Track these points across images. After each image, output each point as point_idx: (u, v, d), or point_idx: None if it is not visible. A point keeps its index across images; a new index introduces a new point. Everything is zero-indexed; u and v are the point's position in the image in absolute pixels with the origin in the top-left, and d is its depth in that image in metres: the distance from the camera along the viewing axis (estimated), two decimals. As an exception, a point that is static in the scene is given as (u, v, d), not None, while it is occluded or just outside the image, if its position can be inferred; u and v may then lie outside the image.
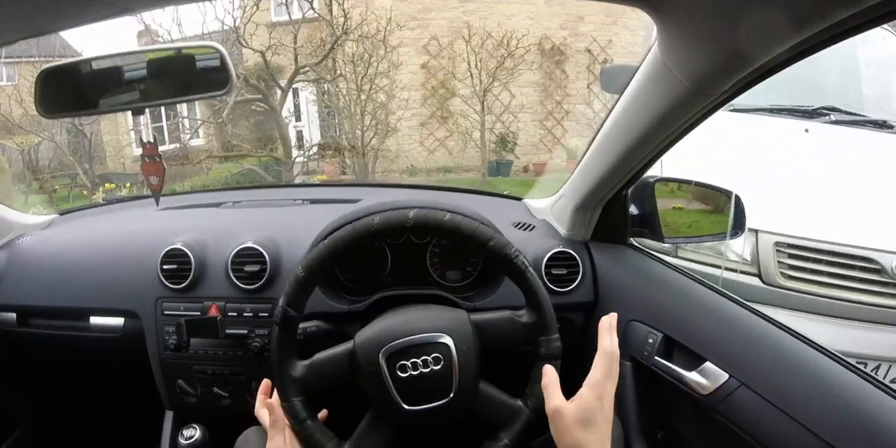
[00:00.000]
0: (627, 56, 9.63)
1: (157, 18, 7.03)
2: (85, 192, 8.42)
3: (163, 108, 9.37)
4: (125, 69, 1.04)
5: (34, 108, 1.02)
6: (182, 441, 1.11)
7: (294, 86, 7.57)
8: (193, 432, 1.12)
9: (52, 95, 1.01)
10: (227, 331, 1.23)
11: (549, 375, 0.86)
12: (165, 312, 1.29)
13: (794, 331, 0.96)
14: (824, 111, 2.63)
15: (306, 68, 7.21)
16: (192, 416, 1.29)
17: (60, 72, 1.02)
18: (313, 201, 1.59)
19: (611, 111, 1.01)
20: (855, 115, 2.67)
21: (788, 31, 0.59)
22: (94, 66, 1.03)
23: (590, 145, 1.12)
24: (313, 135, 10.02)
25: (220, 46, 1.02)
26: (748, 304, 1.04)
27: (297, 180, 7.33)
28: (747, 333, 0.99)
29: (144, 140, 1.13)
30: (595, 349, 1.25)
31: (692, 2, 0.61)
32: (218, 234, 1.34)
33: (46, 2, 0.59)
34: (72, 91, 1.01)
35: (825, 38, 0.61)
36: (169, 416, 1.36)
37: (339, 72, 8.05)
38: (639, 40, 9.81)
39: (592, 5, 9.67)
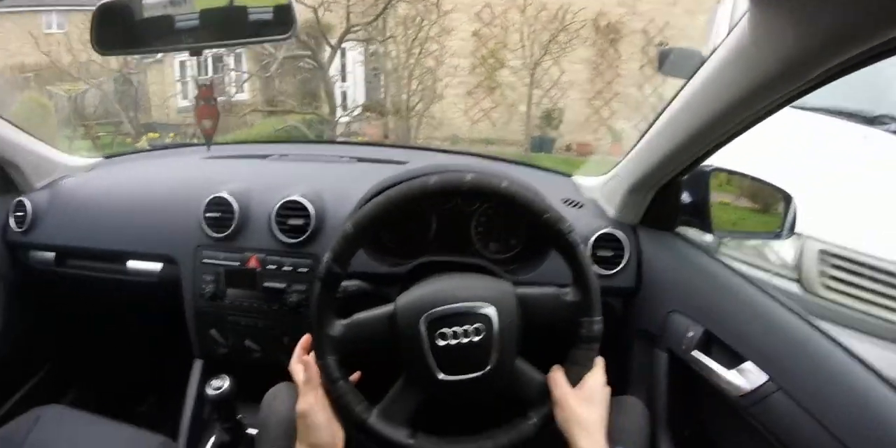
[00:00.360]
0: (684, 40, 9.25)
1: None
2: (129, 140, 8.55)
3: (210, 61, 9.44)
4: (182, 11, 1.03)
5: (90, 45, 1.02)
6: (210, 391, 1.13)
7: (343, 45, 7.51)
8: (222, 383, 1.13)
9: (108, 32, 1.01)
10: (265, 284, 1.24)
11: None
12: (204, 260, 1.30)
13: (841, 342, 0.91)
14: (886, 119, 2.50)
15: (357, 27, 7.13)
16: (220, 367, 1.30)
17: (114, 8, 1.02)
18: (360, 159, 1.58)
19: (679, 90, 0.96)
20: None
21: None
22: (143, 6, 1.03)
23: (651, 125, 1.08)
24: (358, 96, 9.98)
25: None
26: (796, 307, 1.00)
27: (341, 140, 7.34)
28: (792, 338, 0.95)
29: (201, 81, 1.13)
30: (631, 337, 1.23)
31: None
32: (264, 186, 1.34)
33: None
34: (124, 29, 1.02)
35: None
36: (198, 365, 1.39)
37: (389, 33, 7.96)
38: (697, 24, 9.44)
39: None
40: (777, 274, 2.08)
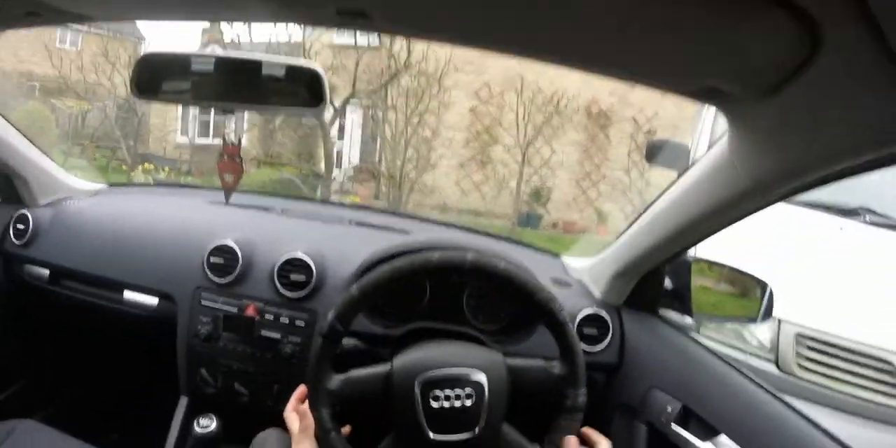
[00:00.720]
0: (670, 129, 9.64)
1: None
2: (124, 167, 8.61)
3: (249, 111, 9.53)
4: (218, 69, 1.10)
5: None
6: (198, 429, 1.15)
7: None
8: (209, 422, 1.15)
9: (147, 78, 1.07)
10: (262, 332, 1.28)
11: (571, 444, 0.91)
12: (203, 302, 1.34)
13: (813, 420, 0.99)
14: (860, 211, 2.65)
15: (361, 95, 7.41)
16: (205, 406, 1.32)
17: (159, 59, 1.09)
18: (360, 223, 1.65)
19: (667, 188, 1.07)
20: (890, 218, 2.68)
21: (863, 145, 0.64)
22: (194, 61, 1.08)
23: (639, 216, 1.19)
24: (353, 156, 10.20)
25: (320, 69, 1.10)
26: (769, 387, 1.07)
27: (333, 197, 7.44)
28: (765, 414, 1.02)
29: (229, 140, 1.21)
30: (612, 410, 1.28)
31: (770, 112, 0.67)
32: (268, 239, 1.40)
33: None
34: (166, 78, 1.06)
35: None
36: (183, 402, 1.40)
37: (391, 102, 8.25)
38: (684, 115, 9.79)
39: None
40: (755, 355, 2.17)
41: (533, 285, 0.95)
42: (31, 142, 1.51)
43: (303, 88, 1.12)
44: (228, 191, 1.25)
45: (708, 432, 1.06)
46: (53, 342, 1.73)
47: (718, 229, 1.00)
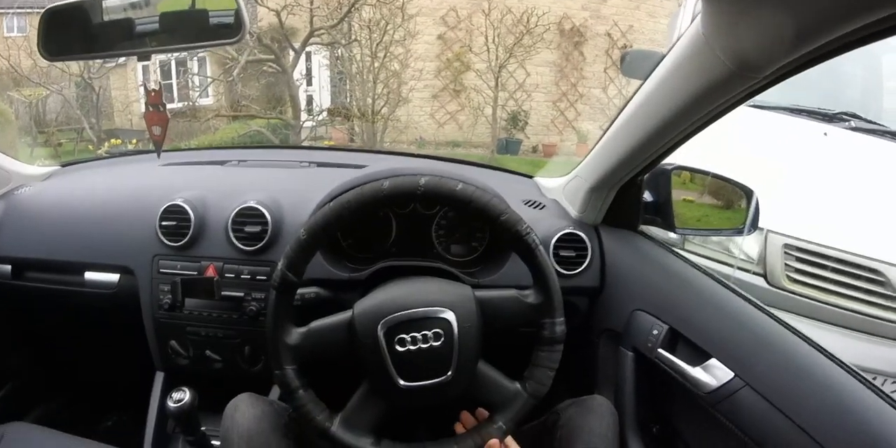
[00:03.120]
0: (647, 43, 9.51)
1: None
2: (91, 147, 8.39)
3: (173, 66, 9.26)
4: (135, 16, 1.01)
5: (38, 49, 0.99)
6: (171, 404, 1.09)
7: (307, 49, 7.45)
8: (182, 395, 1.10)
9: (56, 37, 0.99)
10: (224, 292, 1.20)
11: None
12: (161, 270, 1.27)
13: (805, 336, 0.93)
14: (845, 116, 2.59)
15: (321, 31, 7.08)
16: (183, 379, 1.27)
17: (67, 12, 0.99)
18: (320, 164, 1.56)
19: (637, 90, 0.96)
20: (875, 123, 2.62)
21: (849, 13, 0.54)
22: (104, 9, 0.99)
23: (610, 125, 1.08)
24: (323, 100, 9.91)
25: None
26: (760, 303, 1.01)
27: (306, 144, 7.28)
28: (757, 333, 0.96)
29: (150, 87, 1.09)
30: (597, 336, 1.24)
31: None
32: (220, 193, 1.31)
33: None
34: (78, 34, 0.98)
35: (886, 28, 0.56)
36: (160, 377, 1.36)
37: (354, 37, 7.94)
38: (660, 28, 9.67)
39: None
40: (742, 268, 2.13)
41: (495, 207, 0.87)
42: None
43: (230, 18, 1.02)
44: (158, 144, 1.15)
45: (697, 356, 1.00)
46: (29, 339, 1.68)
47: (695, 129, 0.90)
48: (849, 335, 2.03)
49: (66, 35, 0.99)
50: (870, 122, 2.61)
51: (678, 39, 0.80)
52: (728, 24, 0.65)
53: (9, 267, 1.40)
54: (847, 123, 2.56)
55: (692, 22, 0.74)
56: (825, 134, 2.49)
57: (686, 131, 0.91)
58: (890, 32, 0.57)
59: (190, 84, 9.40)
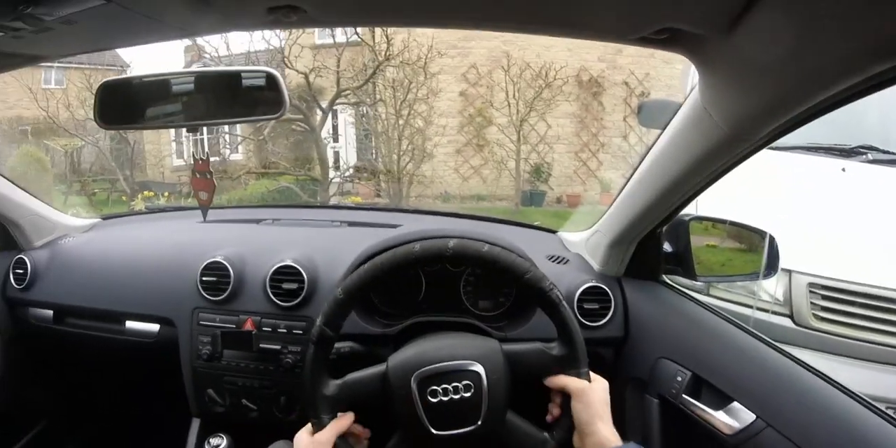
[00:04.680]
0: (664, 89, 9.59)
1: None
2: (124, 198, 8.67)
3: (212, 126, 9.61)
4: (180, 89, 1.08)
5: (93, 117, 1.07)
6: None
7: (334, 107, 7.72)
8: (220, 441, 1.14)
9: (110, 107, 1.05)
10: (261, 345, 1.26)
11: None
12: (201, 322, 1.33)
13: (824, 374, 0.96)
14: (862, 150, 2.60)
15: (347, 91, 7.36)
16: (218, 425, 1.31)
17: (119, 85, 1.07)
18: (351, 224, 1.63)
19: (649, 150, 1.03)
20: (893, 154, 2.62)
21: (832, 79, 0.60)
22: (150, 82, 1.06)
23: (627, 182, 1.14)
24: (350, 156, 10.17)
25: (274, 71, 1.06)
26: (778, 345, 1.04)
27: (333, 200, 7.43)
28: (777, 375, 0.99)
29: (198, 156, 1.18)
30: (623, 384, 1.25)
31: (732, 51, 0.63)
32: (258, 251, 1.38)
33: (118, 20, 0.64)
34: (125, 102, 1.05)
35: (869, 86, 0.61)
36: (195, 424, 1.39)
37: (378, 96, 8.20)
38: (676, 73, 9.74)
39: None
40: (770, 311, 2.12)
41: (520, 266, 0.92)
42: (17, 185, 1.50)
43: (262, 94, 1.09)
44: (204, 208, 1.24)
45: (721, 400, 1.03)
46: (67, 380, 1.74)
47: (705, 185, 0.96)
48: (879, 369, 2.00)
49: (116, 106, 1.04)
50: (887, 152, 2.61)
51: (681, 106, 0.87)
52: (724, 95, 0.72)
53: (51, 312, 1.49)
54: (864, 156, 2.57)
55: (691, 91, 0.81)
56: (843, 169, 2.51)
57: (696, 188, 0.97)
58: (869, 91, 0.63)
59: (221, 141, 9.74)
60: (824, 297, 2.09)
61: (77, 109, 8.18)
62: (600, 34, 0.67)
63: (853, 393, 0.91)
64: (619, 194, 1.19)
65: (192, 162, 1.18)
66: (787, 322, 2.10)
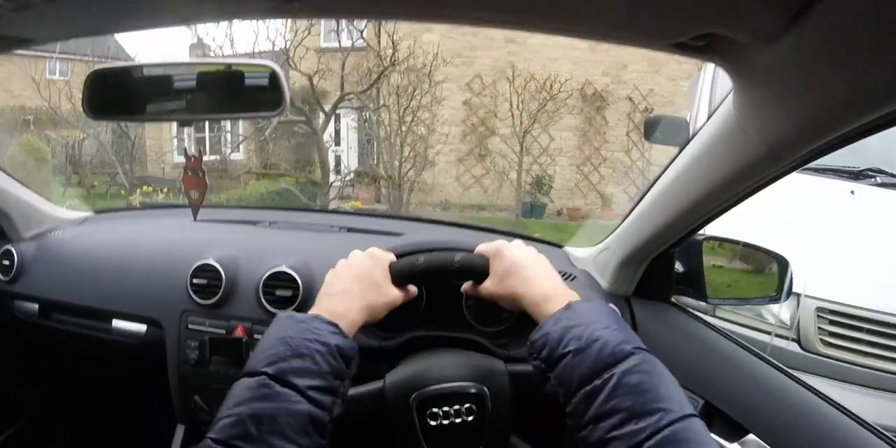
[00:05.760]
0: (667, 106, 9.64)
1: (211, 33, 7.32)
2: (122, 192, 8.65)
3: (207, 121, 9.62)
4: (176, 79, 1.02)
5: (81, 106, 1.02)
6: None
7: (337, 111, 7.70)
8: None
9: (100, 97, 1.00)
10: (251, 353, 1.20)
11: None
12: (190, 326, 1.27)
13: (843, 407, 0.90)
14: (871, 173, 2.57)
15: (351, 95, 7.34)
16: (203, 434, 1.25)
17: (111, 74, 1.02)
18: (350, 230, 1.56)
19: (669, 165, 0.97)
20: None
21: (885, 98, 0.55)
22: (146, 72, 1.03)
23: (641, 198, 1.08)
24: (351, 161, 10.14)
25: (275, 66, 1.01)
26: (796, 375, 0.98)
27: (332, 204, 7.39)
28: (794, 407, 0.93)
29: (190, 153, 1.13)
30: None
31: (776, 61, 0.58)
32: (252, 254, 1.32)
33: (110, 2, 0.59)
34: (120, 95, 1.01)
35: None
36: (180, 430, 1.34)
37: (382, 102, 8.19)
38: (680, 90, 9.83)
39: (637, 53, 9.76)
40: (775, 334, 2.07)
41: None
42: (8, 174, 1.46)
43: (261, 90, 1.05)
44: (195, 207, 1.18)
45: (735, 431, 0.97)
46: (49, 378, 1.69)
47: (730, 205, 0.89)
48: (888, 398, 1.96)
49: (110, 95, 1.01)
50: None
51: (709, 118, 0.81)
52: (763, 111, 0.66)
53: (36, 306, 1.43)
54: (873, 180, 2.54)
55: (721, 103, 0.76)
56: (852, 192, 2.48)
57: (720, 208, 0.90)
58: None
59: (222, 140, 9.71)
60: (832, 322, 2.05)
61: (80, 102, 8.14)
62: (633, 37, 0.61)
63: (874, 429, 0.86)
64: (631, 210, 1.13)
65: (183, 156, 1.13)
66: (795, 347, 2.06)
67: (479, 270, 0.90)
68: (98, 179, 9.62)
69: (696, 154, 0.85)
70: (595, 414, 0.66)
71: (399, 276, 0.88)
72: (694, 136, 0.86)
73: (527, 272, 0.86)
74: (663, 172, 0.98)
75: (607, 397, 0.66)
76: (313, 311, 0.81)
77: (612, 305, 0.81)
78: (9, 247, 1.45)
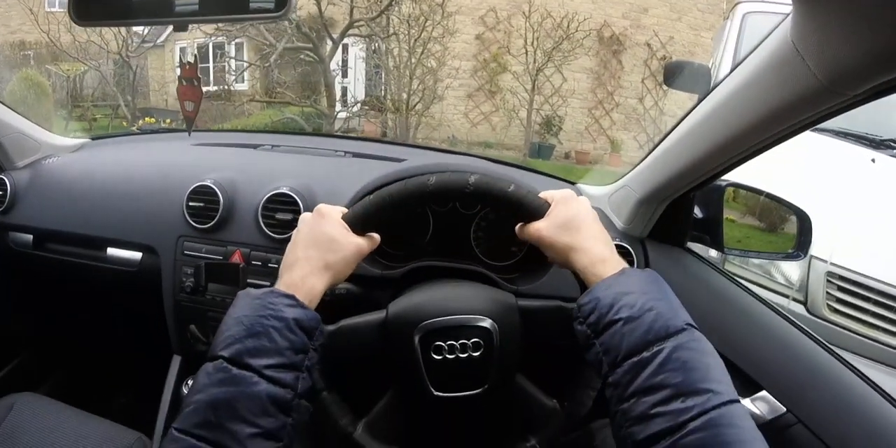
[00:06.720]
0: (686, 56, 9.38)
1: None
2: (125, 124, 8.61)
3: (210, 49, 9.35)
4: None
5: (68, 15, 0.95)
6: (187, 390, 1.06)
7: (345, 41, 7.47)
8: None
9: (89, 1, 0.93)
10: (249, 280, 1.16)
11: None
12: (186, 252, 1.23)
13: (862, 373, 0.87)
14: (893, 143, 2.51)
15: (360, 22, 7.08)
16: (199, 365, 1.24)
17: None
18: (355, 155, 1.50)
19: (702, 98, 0.89)
20: None
21: None
22: None
23: (669, 132, 1.00)
24: (358, 92, 9.92)
25: None
26: (816, 336, 0.94)
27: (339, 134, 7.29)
28: (811, 367, 0.90)
29: (185, 60, 1.05)
30: None
31: None
32: (252, 176, 1.27)
33: None
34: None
35: None
36: (176, 361, 1.32)
37: (392, 31, 7.93)
38: (701, 41, 9.56)
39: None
40: (782, 294, 2.05)
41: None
42: (1, 103, 1.40)
43: None
44: (189, 120, 1.11)
45: (748, 387, 0.94)
46: (47, 310, 1.67)
47: (770, 144, 0.81)
48: (886, 371, 1.95)
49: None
50: None
51: (756, 47, 0.73)
52: (822, 34, 0.58)
53: (30, 236, 1.39)
54: (894, 150, 2.48)
55: (774, 30, 0.68)
56: (873, 160, 2.41)
57: (756, 146, 0.83)
58: None
59: (226, 68, 9.48)
60: (841, 289, 2.02)
61: (80, 33, 7.95)
62: None
63: (892, 398, 0.82)
64: (656, 146, 1.06)
65: (179, 67, 1.04)
66: (801, 309, 2.04)
67: (533, 209, 0.83)
68: (100, 112, 9.51)
69: (740, 85, 0.77)
70: (640, 387, 0.64)
71: (355, 223, 0.81)
72: (743, 60, 0.77)
73: (591, 229, 0.81)
74: (696, 106, 0.90)
75: (655, 371, 0.64)
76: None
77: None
78: (2, 176, 1.40)
